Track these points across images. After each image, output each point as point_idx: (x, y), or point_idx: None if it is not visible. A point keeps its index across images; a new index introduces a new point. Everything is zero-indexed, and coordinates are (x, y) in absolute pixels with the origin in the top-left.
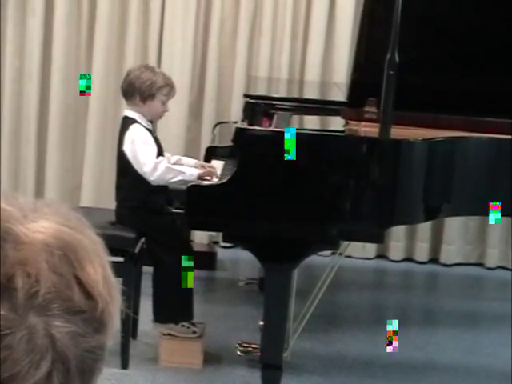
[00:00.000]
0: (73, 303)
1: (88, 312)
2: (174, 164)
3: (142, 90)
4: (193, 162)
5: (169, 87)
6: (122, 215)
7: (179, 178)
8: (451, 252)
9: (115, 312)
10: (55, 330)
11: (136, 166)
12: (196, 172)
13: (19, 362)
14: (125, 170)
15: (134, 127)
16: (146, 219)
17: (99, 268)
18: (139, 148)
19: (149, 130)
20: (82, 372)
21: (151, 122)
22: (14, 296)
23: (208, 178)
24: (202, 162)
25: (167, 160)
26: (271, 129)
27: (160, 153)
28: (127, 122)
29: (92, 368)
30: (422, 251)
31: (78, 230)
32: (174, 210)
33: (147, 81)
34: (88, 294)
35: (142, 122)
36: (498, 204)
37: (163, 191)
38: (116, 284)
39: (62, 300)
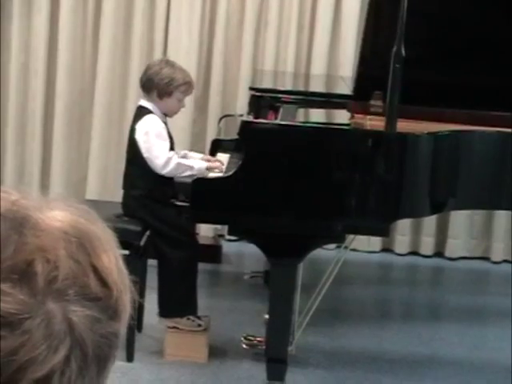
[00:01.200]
0: (89, 290)
1: (104, 300)
2: (181, 158)
3: (160, 86)
4: (199, 156)
5: (187, 85)
6: (128, 204)
7: (188, 172)
8: (456, 246)
9: (128, 301)
10: (73, 315)
11: (147, 159)
12: (204, 165)
13: (38, 346)
14: (134, 158)
15: (148, 117)
16: (152, 209)
17: (113, 258)
18: (153, 141)
19: (163, 122)
20: (98, 358)
21: (165, 114)
22: (33, 281)
23: (216, 170)
24: (208, 157)
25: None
26: (277, 122)
27: (171, 146)
28: (142, 112)
29: (107, 355)
30: (428, 245)
31: (91, 221)
32: (179, 203)
33: (166, 78)
34: (103, 282)
35: (157, 114)
36: None
37: (171, 182)
38: (128, 275)
39: (79, 286)
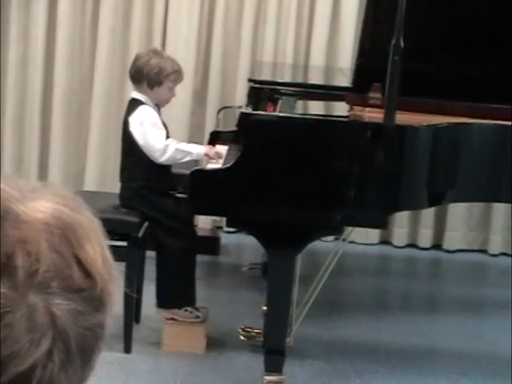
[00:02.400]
0: (72, 282)
1: (87, 290)
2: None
3: (149, 76)
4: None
5: (177, 73)
6: (126, 196)
7: (187, 158)
8: (454, 238)
9: (114, 291)
10: (55, 308)
11: (145, 148)
12: (202, 150)
13: (20, 340)
14: (130, 150)
15: (142, 108)
16: (150, 200)
17: (98, 247)
18: (149, 130)
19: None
20: (82, 350)
21: (157, 105)
22: (14, 274)
23: (214, 161)
24: (209, 146)
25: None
26: (276, 114)
27: (167, 135)
28: (134, 104)
29: (92, 347)
30: (426, 237)
31: (77, 210)
32: (178, 195)
33: (155, 68)
34: (87, 273)
35: (150, 105)
36: None
37: (168, 172)
38: (114, 264)
39: (61, 278)
